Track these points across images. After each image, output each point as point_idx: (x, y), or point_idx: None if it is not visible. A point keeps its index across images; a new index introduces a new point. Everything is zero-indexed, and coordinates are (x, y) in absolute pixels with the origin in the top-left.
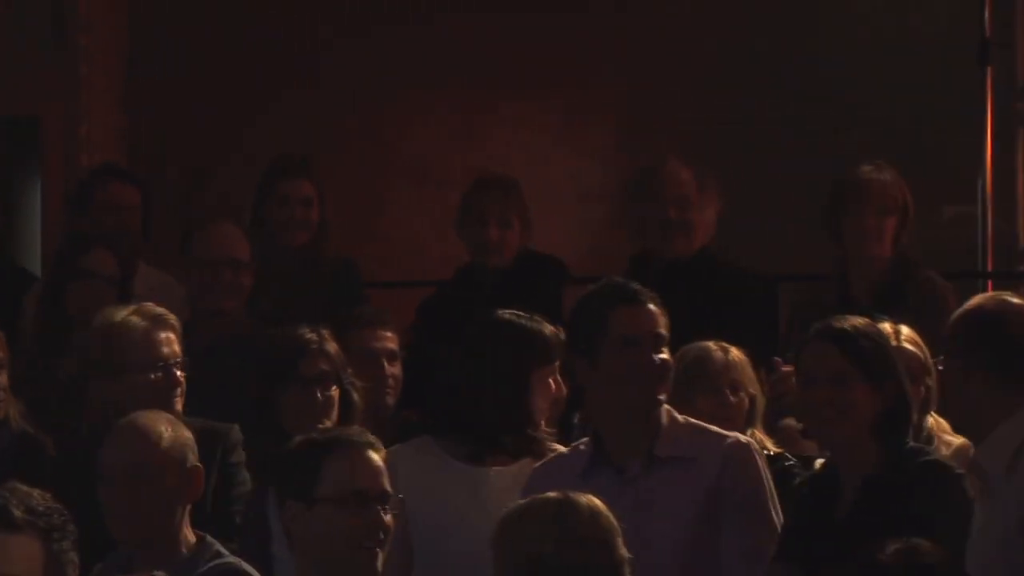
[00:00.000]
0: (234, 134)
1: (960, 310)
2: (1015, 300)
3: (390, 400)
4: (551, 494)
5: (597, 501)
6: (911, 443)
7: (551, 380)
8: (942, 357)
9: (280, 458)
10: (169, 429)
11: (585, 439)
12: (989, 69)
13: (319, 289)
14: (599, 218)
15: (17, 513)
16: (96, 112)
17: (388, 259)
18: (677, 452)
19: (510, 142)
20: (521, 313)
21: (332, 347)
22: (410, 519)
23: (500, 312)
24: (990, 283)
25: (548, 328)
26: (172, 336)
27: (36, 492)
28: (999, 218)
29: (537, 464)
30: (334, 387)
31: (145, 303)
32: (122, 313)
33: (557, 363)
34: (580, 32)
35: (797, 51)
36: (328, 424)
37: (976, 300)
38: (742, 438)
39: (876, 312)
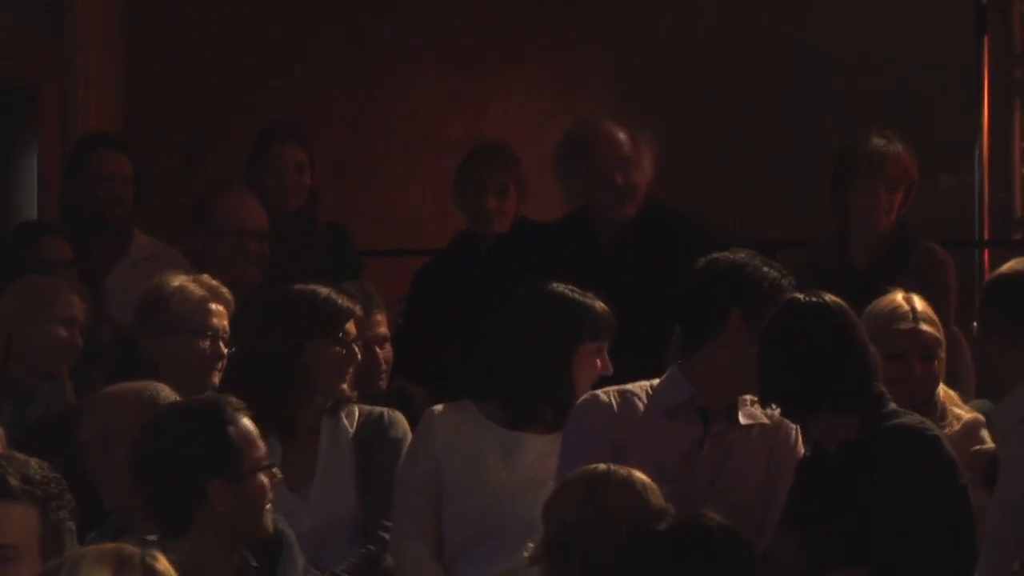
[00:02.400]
0: (233, 104)
1: (993, 274)
2: None
3: (382, 384)
4: (594, 466)
5: (635, 474)
6: (888, 408)
7: (598, 358)
8: (975, 324)
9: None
10: (151, 397)
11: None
12: (986, 37)
13: (312, 255)
14: None
15: (13, 482)
16: (94, 80)
17: (385, 227)
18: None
19: (506, 111)
20: (574, 287)
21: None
22: (443, 476)
23: (553, 284)
24: (986, 252)
25: (600, 305)
26: (223, 310)
27: (34, 461)
28: (995, 187)
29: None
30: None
31: (202, 275)
32: (181, 279)
33: (606, 341)
34: (576, 2)
35: (792, 20)
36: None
37: (1007, 264)
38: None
39: (876, 280)
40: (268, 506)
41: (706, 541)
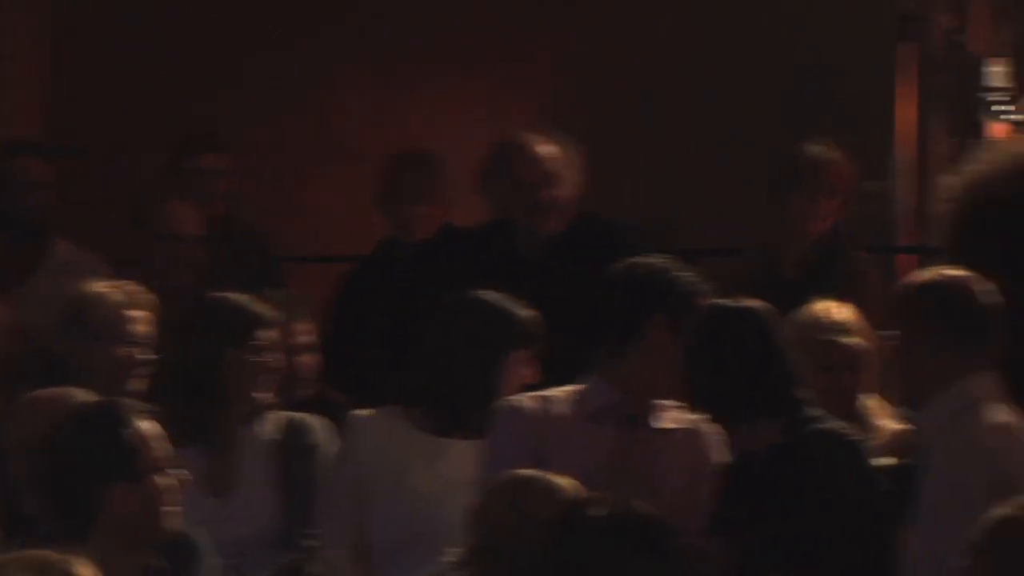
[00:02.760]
0: (158, 113)
1: (906, 283)
2: (964, 274)
3: (307, 392)
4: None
5: (560, 479)
6: (811, 412)
7: (525, 365)
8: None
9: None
10: (69, 403)
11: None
12: (906, 45)
13: (233, 262)
14: None
15: None
16: (18, 88)
17: (309, 234)
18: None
19: (433, 119)
20: (502, 295)
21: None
22: (369, 481)
23: (482, 292)
24: (902, 258)
25: (528, 313)
26: (145, 316)
27: None
28: (912, 193)
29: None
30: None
31: (125, 281)
32: (101, 285)
33: (534, 350)
34: (505, 9)
35: (713, 29)
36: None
37: (921, 273)
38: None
39: (807, 288)
40: (171, 508)
41: (641, 527)
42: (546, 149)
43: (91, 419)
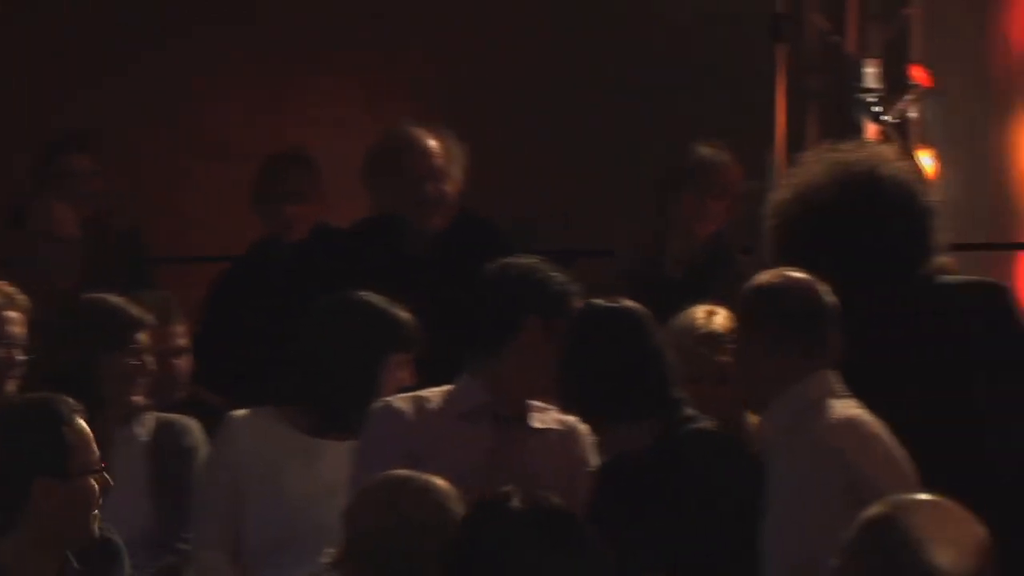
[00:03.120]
0: (36, 113)
1: (747, 285)
2: (799, 275)
3: (180, 395)
4: (393, 472)
5: (435, 480)
6: (686, 413)
7: (403, 368)
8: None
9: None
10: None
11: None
12: (780, 46)
13: (105, 263)
14: None
15: None
16: None
17: (184, 234)
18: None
19: (307, 118)
20: (382, 297)
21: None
22: (243, 482)
23: (362, 293)
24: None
25: (407, 316)
26: (18, 316)
27: None
28: None
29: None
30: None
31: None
32: None
33: (412, 353)
34: (384, 7)
35: (589, 26)
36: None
37: (761, 275)
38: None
39: (691, 289)
40: (95, 511)
41: (559, 520)
42: (434, 144)
43: (30, 412)
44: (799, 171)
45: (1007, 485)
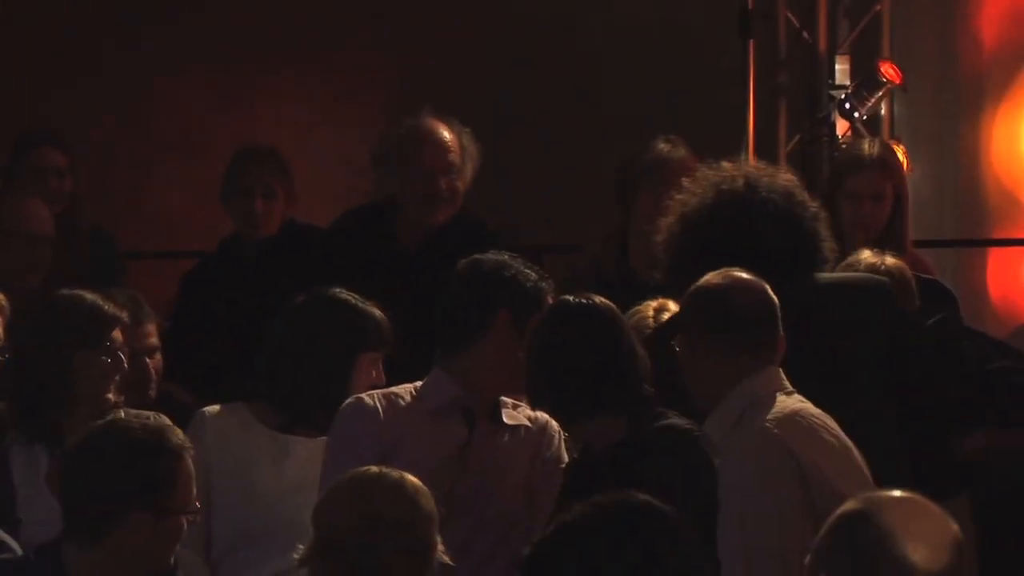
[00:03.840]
0: (4, 110)
1: (692, 286)
2: (742, 275)
3: (152, 393)
4: (365, 469)
5: (407, 477)
6: (656, 409)
7: (374, 368)
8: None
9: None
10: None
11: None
12: (751, 41)
13: (74, 260)
14: (364, 190)
15: None
16: None
17: (152, 231)
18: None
19: (276, 115)
20: (356, 295)
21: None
22: (212, 478)
23: (336, 290)
24: None
25: (380, 315)
26: None
27: None
28: None
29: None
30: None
31: None
32: None
33: (384, 352)
34: (355, 6)
35: (559, 25)
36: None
37: (707, 276)
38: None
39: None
40: (178, 546)
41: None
42: (451, 138)
43: (143, 443)
44: (684, 190)
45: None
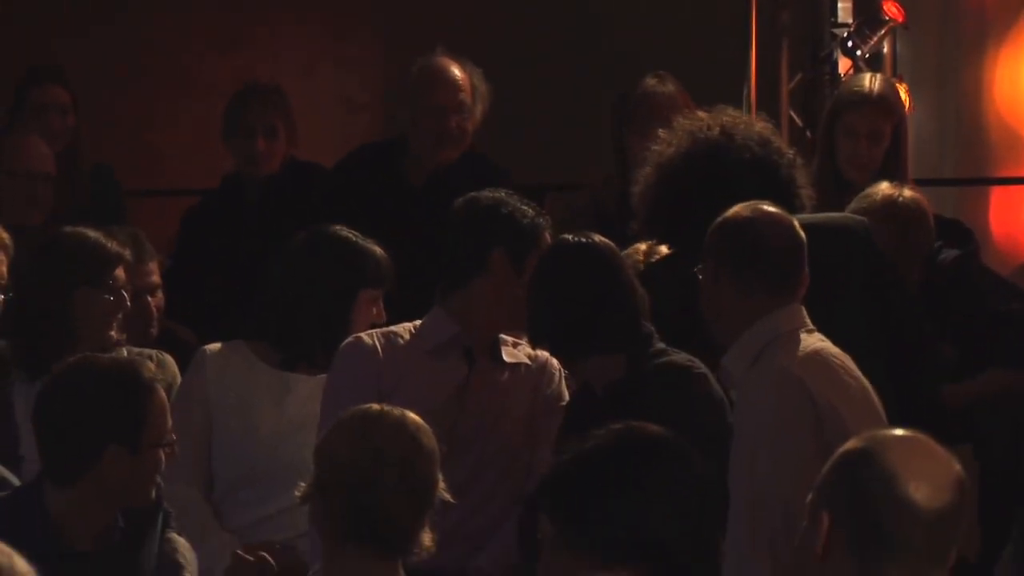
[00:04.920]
0: (3, 47)
1: (718, 219)
2: (770, 208)
3: (154, 331)
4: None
5: (408, 414)
6: (656, 346)
7: (374, 305)
8: (700, 265)
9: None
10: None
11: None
12: None
13: (77, 197)
14: (363, 129)
15: None
16: None
17: (155, 168)
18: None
19: (275, 52)
20: (355, 232)
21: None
22: (213, 416)
23: (335, 228)
24: None
25: (381, 252)
26: (2, 256)
27: None
28: None
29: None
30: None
31: None
32: None
33: (384, 290)
34: None
35: None
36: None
37: (735, 208)
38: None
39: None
40: (157, 480)
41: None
42: (463, 77)
43: (113, 378)
44: (660, 141)
45: None
